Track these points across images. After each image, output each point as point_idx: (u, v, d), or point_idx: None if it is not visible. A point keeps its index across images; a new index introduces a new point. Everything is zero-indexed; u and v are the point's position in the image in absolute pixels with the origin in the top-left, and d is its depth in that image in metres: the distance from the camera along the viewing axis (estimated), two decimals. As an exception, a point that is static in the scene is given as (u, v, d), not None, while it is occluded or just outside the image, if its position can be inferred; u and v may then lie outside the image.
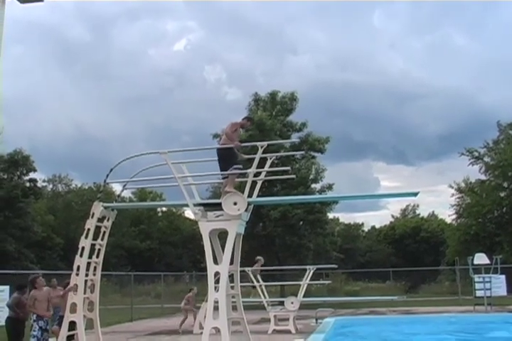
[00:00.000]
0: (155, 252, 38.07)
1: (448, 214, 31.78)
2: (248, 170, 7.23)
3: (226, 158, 7.37)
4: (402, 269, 27.24)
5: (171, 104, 58.32)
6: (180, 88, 61.54)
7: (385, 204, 68.29)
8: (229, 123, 7.65)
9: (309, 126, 24.76)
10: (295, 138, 23.44)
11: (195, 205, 7.30)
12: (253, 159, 7.29)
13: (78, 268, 7.67)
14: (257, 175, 7.62)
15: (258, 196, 8.05)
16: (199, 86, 59.35)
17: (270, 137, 21.99)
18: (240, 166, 7.42)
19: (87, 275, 7.82)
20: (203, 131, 52.74)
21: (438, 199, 63.61)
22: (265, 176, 8.02)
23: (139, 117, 59.26)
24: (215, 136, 22.32)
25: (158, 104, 58.82)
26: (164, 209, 40.78)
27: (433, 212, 47.41)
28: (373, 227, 48.82)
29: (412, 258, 37.47)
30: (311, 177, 23.81)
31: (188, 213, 38.92)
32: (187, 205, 7.39)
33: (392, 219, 48.23)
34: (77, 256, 7.69)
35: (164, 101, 58.86)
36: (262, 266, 14.29)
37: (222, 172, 7.49)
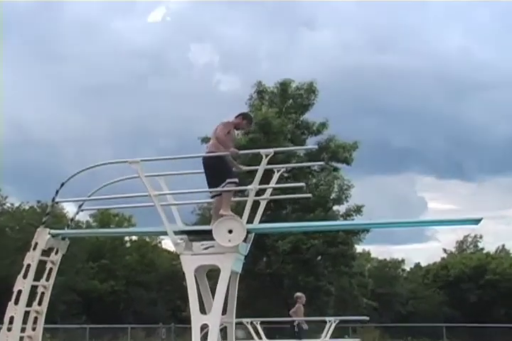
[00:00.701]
0: (120, 296, 37.73)
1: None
2: (248, 187, 7.24)
3: (216, 169, 7.40)
4: (460, 325, 27.12)
5: (144, 97, 57.98)
6: (156, 75, 61.25)
7: (435, 235, 68.05)
8: (219, 124, 7.69)
9: (331, 127, 24.86)
10: (312, 143, 23.51)
11: (176, 233, 7.36)
12: (255, 172, 7.25)
13: (12, 319, 7.56)
14: (260, 193, 7.65)
15: (262, 221, 8.06)
16: (182, 72, 59.53)
17: (278, 142, 21.92)
18: (236, 180, 7.41)
19: (23, 329, 7.73)
20: (188, 134, 52.24)
21: (510, 229, 63.96)
22: (271, 194, 7.99)
23: (101, 113, 59.13)
24: (205, 139, 22.24)
25: (128, 96, 58.35)
26: (134, 238, 40.54)
27: (503, 245, 47.72)
28: (418, 265, 48.93)
29: (474, 310, 37.33)
30: (333, 196, 23.81)
31: (167, 244, 38.45)
32: (165, 233, 7.46)
33: (444, 255, 48.42)
34: (11, 303, 7.60)
35: (135, 92, 58.37)
36: (304, 307, 14.17)
37: (212, 190, 7.52)
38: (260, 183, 7.31)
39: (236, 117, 7.99)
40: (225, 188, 7.43)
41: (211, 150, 7.63)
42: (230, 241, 6.94)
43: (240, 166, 8.04)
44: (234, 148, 7.53)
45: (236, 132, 8.65)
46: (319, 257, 23.94)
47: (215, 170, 7.44)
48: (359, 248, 28.39)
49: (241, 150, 8.02)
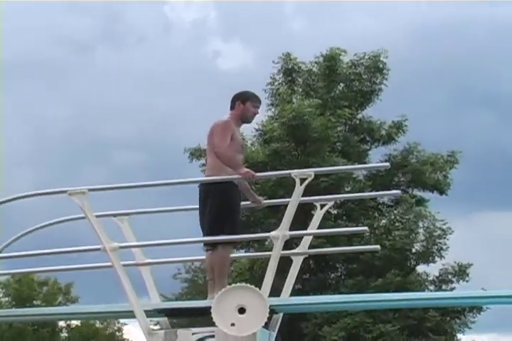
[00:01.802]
0: None
1: None
2: (272, 234, 6.65)
3: (220, 206, 6.89)
4: None
5: (89, 79, 50.97)
6: (108, 44, 57.92)
7: None
8: (213, 126, 6.98)
9: (412, 129, 22.96)
10: (379, 157, 22.31)
11: (148, 314, 6.75)
12: (283, 207, 6.96)
13: None
14: (290, 243, 7.33)
15: (296, 292, 7.62)
16: (154, 38, 54.20)
17: (321, 156, 20.79)
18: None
19: None
20: (167, 142, 43.78)
21: None
22: (311, 246, 7.44)
23: (12, 108, 56.50)
24: (196, 153, 22.22)
25: (59, 78, 53.15)
26: (75, 323, 38.87)
27: None
28: None
29: None
30: (418, 247, 21.98)
31: (131, 331, 38.46)
32: (130, 314, 6.80)
33: None
34: None
35: (73, 72, 52.81)
36: None
37: (209, 239, 6.86)
38: (292, 227, 6.63)
39: (233, 108, 7.07)
40: (228, 237, 6.83)
41: (210, 173, 7.03)
42: (241, 327, 6.47)
43: (258, 198, 7.37)
44: (247, 169, 6.86)
45: (241, 128, 7.62)
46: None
47: (220, 204, 6.89)
48: (465, 339, 26.49)
49: (259, 172, 7.40)
